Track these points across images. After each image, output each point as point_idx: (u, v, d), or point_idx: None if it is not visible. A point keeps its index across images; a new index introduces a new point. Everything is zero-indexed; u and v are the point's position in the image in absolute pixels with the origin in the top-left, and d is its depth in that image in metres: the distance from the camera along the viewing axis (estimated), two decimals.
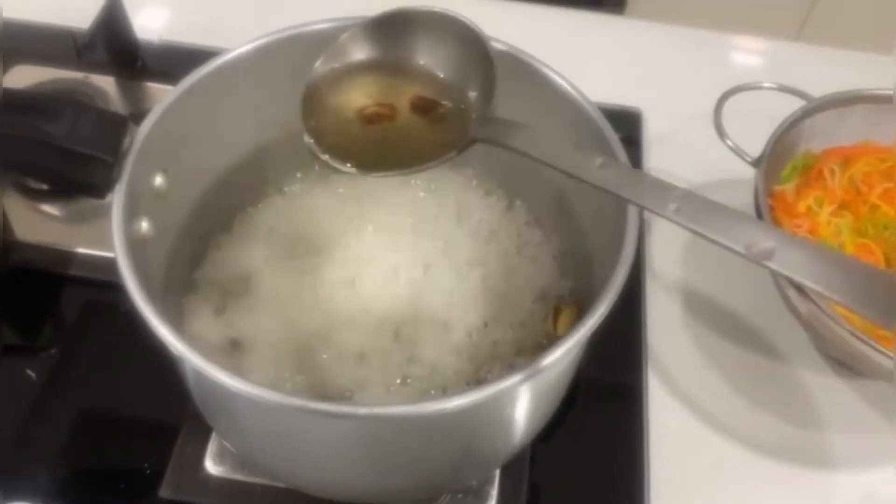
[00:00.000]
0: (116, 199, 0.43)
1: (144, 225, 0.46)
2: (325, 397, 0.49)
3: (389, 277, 0.53)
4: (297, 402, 0.36)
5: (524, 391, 0.43)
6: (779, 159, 0.64)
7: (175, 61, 0.83)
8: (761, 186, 0.59)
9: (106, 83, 0.71)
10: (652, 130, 0.76)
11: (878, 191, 0.62)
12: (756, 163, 0.61)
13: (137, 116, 0.46)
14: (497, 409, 0.43)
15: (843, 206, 0.63)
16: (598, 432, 0.59)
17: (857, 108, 0.65)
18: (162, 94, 0.49)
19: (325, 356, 0.50)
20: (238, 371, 0.44)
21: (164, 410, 0.55)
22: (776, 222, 0.61)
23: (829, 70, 0.71)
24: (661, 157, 0.75)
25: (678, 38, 0.87)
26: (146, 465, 0.54)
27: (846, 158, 0.65)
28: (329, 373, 0.50)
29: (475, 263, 0.55)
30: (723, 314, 0.65)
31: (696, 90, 0.67)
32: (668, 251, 0.69)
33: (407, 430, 0.41)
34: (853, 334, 0.52)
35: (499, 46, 0.50)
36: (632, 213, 0.43)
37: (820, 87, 0.65)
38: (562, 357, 0.39)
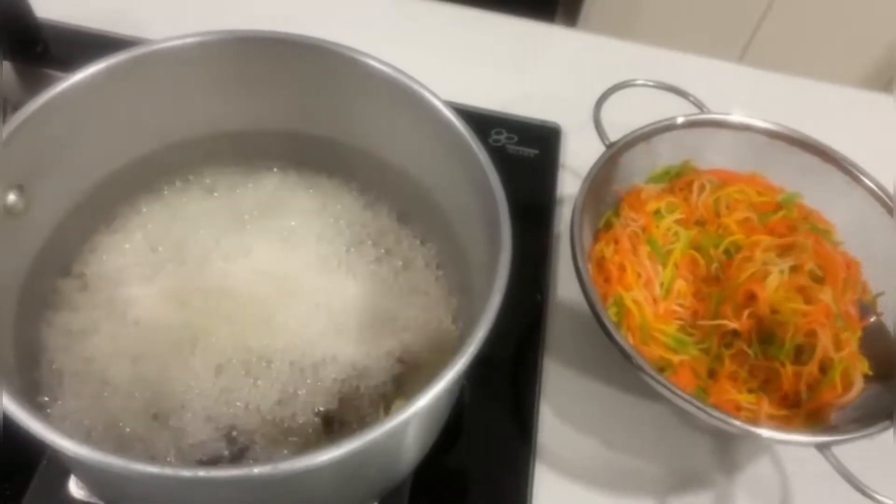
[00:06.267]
0: None
1: None
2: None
3: (265, 308, 0.51)
4: (139, 467, 0.35)
5: (397, 435, 0.41)
6: (652, 159, 0.64)
7: (81, 47, 0.78)
8: (599, 163, 0.60)
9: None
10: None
11: (738, 216, 0.61)
12: (610, 146, 0.61)
13: None
14: (361, 461, 0.41)
15: (699, 223, 0.62)
16: (483, 460, 0.58)
17: (749, 135, 0.65)
18: None
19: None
20: None
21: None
22: (618, 211, 0.61)
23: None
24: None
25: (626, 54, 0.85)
26: (6, 486, 0.51)
27: (725, 181, 0.64)
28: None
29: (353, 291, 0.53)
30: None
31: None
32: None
33: (263, 487, 0.39)
34: (641, 368, 0.51)
35: (384, 69, 0.49)
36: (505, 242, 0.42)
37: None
38: (432, 400, 0.38)
